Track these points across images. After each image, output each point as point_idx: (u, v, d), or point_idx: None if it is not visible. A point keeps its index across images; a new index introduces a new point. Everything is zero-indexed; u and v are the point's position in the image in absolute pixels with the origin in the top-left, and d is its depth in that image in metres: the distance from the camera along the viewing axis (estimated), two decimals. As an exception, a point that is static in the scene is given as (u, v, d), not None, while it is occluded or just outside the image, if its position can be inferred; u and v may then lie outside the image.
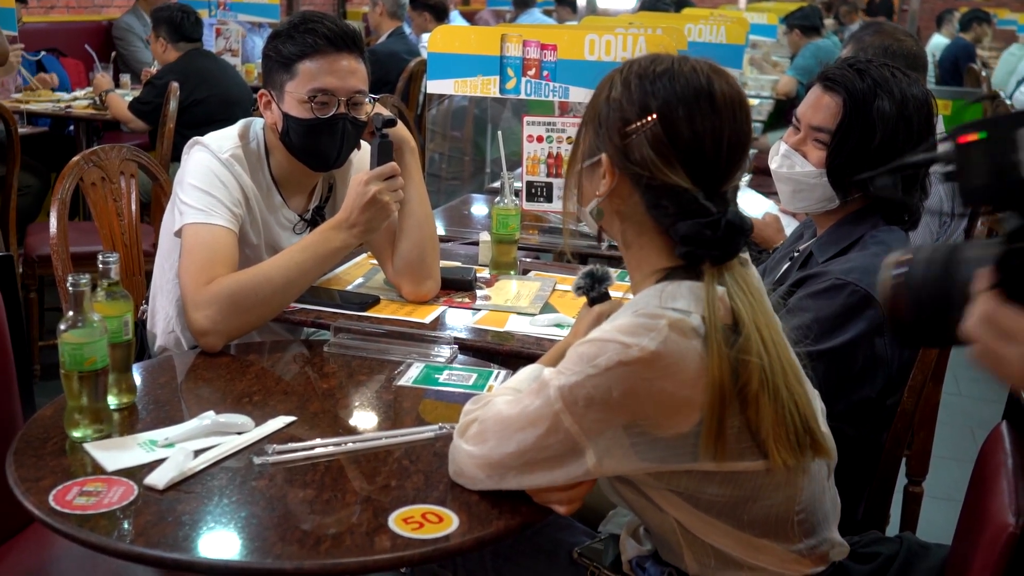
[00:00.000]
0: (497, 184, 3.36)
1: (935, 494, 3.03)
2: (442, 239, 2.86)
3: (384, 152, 2.06)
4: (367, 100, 2.16)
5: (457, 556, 1.65)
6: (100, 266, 1.63)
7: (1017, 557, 1.26)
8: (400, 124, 2.24)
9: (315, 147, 2.14)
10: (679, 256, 1.36)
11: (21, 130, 4.20)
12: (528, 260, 2.77)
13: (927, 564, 1.61)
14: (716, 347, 1.28)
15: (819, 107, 1.93)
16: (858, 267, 1.84)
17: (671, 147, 1.34)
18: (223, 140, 2.16)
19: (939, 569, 1.58)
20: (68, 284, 1.52)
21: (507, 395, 1.46)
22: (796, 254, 2.09)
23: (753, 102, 5.59)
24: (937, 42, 9.54)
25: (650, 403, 1.30)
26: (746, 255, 1.46)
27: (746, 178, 3.71)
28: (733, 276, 1.34)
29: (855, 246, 1.92)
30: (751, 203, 3.10)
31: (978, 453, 1.63)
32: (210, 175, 2.09)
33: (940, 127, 2.88)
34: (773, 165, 2.03)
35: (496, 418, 1.40)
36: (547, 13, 10.19)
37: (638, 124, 1.36)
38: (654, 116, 1.34)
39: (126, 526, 1.34)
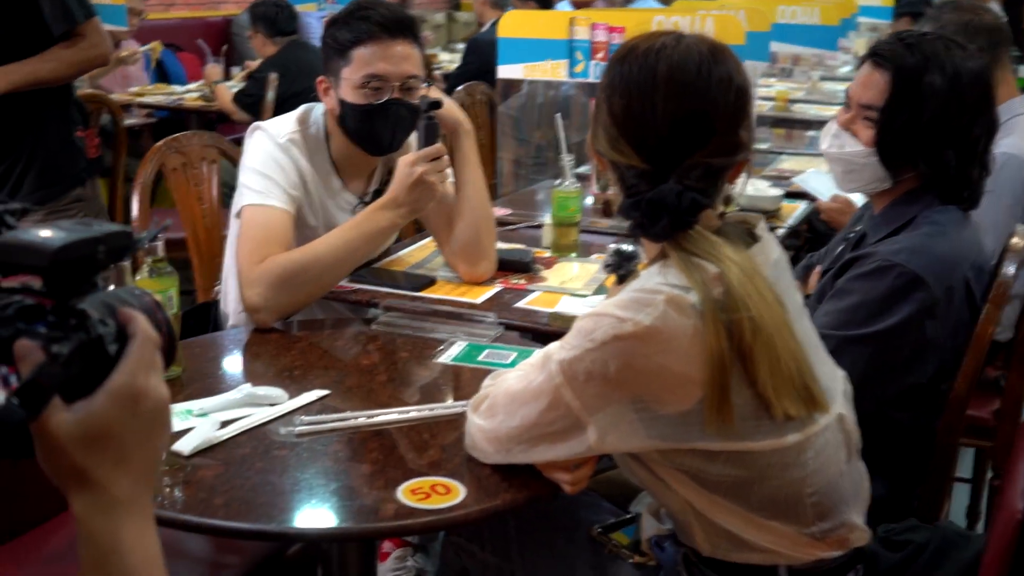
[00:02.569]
0: (581, 170, 3.36)
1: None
2: (511, 222, 2.89)
3: (431, 134, 2.09)
4: (422, 84, 2.19)
5: (463, 526, 1.67)
6: (146, 244, 1.71)
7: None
8: (455, 106, 2.27)
9: (370, 132, 2.19)
10: (629, 232, 1.37)
11: (129, 120, 4.38)
12: (611, 245, 2.76)
13: (963, 554, 1.55)
14: (711, 318, 1.27)
15: (868, 84, 1.88)
16: (906, 248, 1.79)
17: (615, 128, 1.36)
18: (282, 125, 2.23)
19: (974, 559, 1.53)
20: (109, 259, 1.59)
21: (520, 370, 1.47)
22: (852, 235, 2.04)
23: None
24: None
25: (648, 378, 1.29)
26: (762, 231, 1.44)
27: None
28: (711, 247, 1.32)
29: (907, 226, 1.86)
30: (820, 186, 3.03)
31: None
32: (268, 158, 2.15)
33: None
34: (823, 145, 1.99)
35: (505, 393, 1.42)
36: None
37: (597, 107, 1.40)
38: (603, 98, 1.39)
39: (146, 489, 1.40)
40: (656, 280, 1.32)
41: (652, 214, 1.32)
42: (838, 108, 5.10)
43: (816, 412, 1.35)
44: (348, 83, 2.15)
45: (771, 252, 1.44)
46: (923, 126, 1.81)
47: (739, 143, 1.37)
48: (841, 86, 5.59)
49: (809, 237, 3.05)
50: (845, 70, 6.10)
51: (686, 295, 1.29)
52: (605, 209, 2.47)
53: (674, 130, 1.33)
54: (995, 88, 1.93)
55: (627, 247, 1.65)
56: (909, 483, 1.90)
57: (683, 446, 1.33)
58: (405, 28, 2.15)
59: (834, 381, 1.46)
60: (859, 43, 6.17)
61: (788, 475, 1.36)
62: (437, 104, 2.12)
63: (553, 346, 1.39)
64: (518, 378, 1.42)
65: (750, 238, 1.42)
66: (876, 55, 1.87)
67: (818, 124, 4.71)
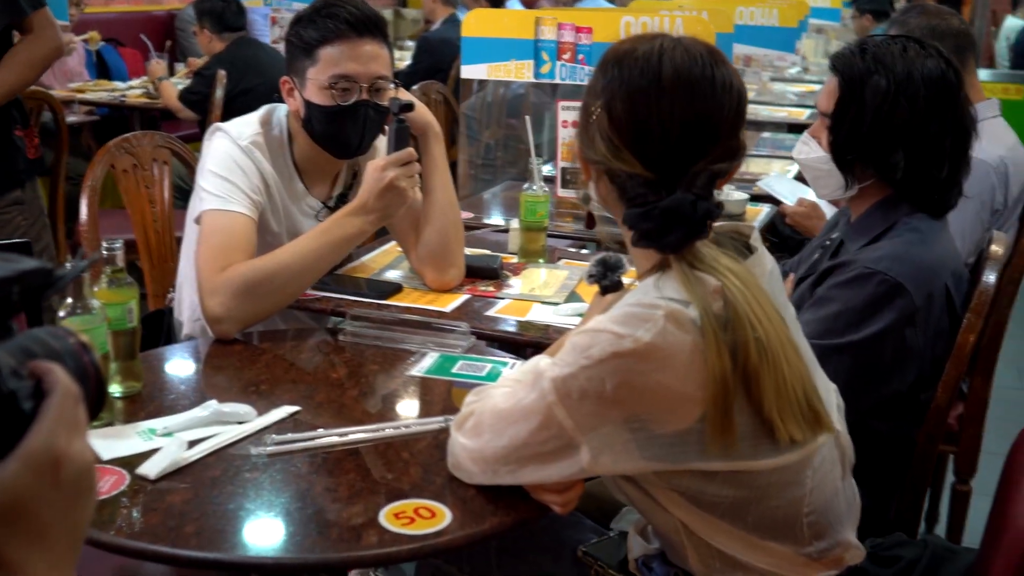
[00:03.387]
0: (546, 171, 3.31)
1: (987, 491, 2.92)
2: (475, 226, 2.83)
3: (401, 137, 2.02)
4: (390, 85, 2.12)
5: (450, 552, 1.61)
6: (104, 252, 1.62)
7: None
8: (425, 109, 2.20)
9: (337, 134, 2.11)
10: (633, 244, 1.30)
11: (70, 118, 4.24)
12: (571, 249, 2.72)
13: (953, 568, 1.53)
14: (713, 337, 1.22)
15: (826, 92, 1.90)
16: (887, 255, 1.77)
17: (615, 133, 1.30)
18: (244, 127, 2.14)
19: (964, 575, 1.50)
20: (67, 271, 1.50)
21: (506, 387, 1.41)
22: (828, 243, 2.01)
23: (814, 88, 5.43)
24: (1011, 24, 9.21)
25: (646, 397, 1.24)
26: (756, 241, 1.40)
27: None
28: (715, 264, 1.28)
29: (887, 233, 1.84)
30: (785, 190, 3.01)
31: (1008, 451, 1.55)
32: (229, 161, 2.07)
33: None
34: (795, 152, 2.00)
35: (492, 411, 1.36)
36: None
37: (591, 113, 1.33)
38: (600, 103, 1.31)
39: (111, 517, 1.32)
40: (653, 294, 1.27)
41: (666, 224, 1.26)
42: (789, 109, 5.13)
43: (821, 432, 1.31)
44: (314, 83, 2.07)
45: (766, 263, 1.40)
46: (867, 127, 1.81)
47: (739, 148, 1.33)
48: (791, 87, 5.63)
49: (774, 241, 3.03)
50: (794, 71, 6.14)
51: (685, 310, 1.24)
52: (588, 221, 2.43)
53: (682, 136, 1.27)
54: (968, 103, 1.90)
55: (611, 256, 1.60)
56: (887, 493, 1.88)
57: (679, 467, 1.29)
58: (374, 27, 2.07)
59: (829, 394, 1.43)
60: (807, 44, 6.21)
61: (787, 495, 1.32)
62: (409, 106, 2.05)
63: (544, 362, 1.33)
64: (506, 395, 1.36)
65: (745, 249, 1.38)
66: (832, 63, 1.90)
67: (771, 125, 4.73)
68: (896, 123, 1.79)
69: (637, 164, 1.28)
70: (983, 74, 6.49)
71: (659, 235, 1.27)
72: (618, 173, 1.31)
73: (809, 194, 2.96)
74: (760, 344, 1.23)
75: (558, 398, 1.27)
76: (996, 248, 1.89)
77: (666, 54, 1.29)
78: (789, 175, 3.41)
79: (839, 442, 1.40)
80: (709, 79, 1.28)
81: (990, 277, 1.83)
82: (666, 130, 1.27)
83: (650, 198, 1.27)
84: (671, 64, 1.28)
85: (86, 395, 0.72)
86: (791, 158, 3.90)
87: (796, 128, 4.81)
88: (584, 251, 2.69)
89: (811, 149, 1.95)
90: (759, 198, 3.10)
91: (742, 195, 2.97)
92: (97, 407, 0.75)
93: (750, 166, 3.69)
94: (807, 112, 4.91)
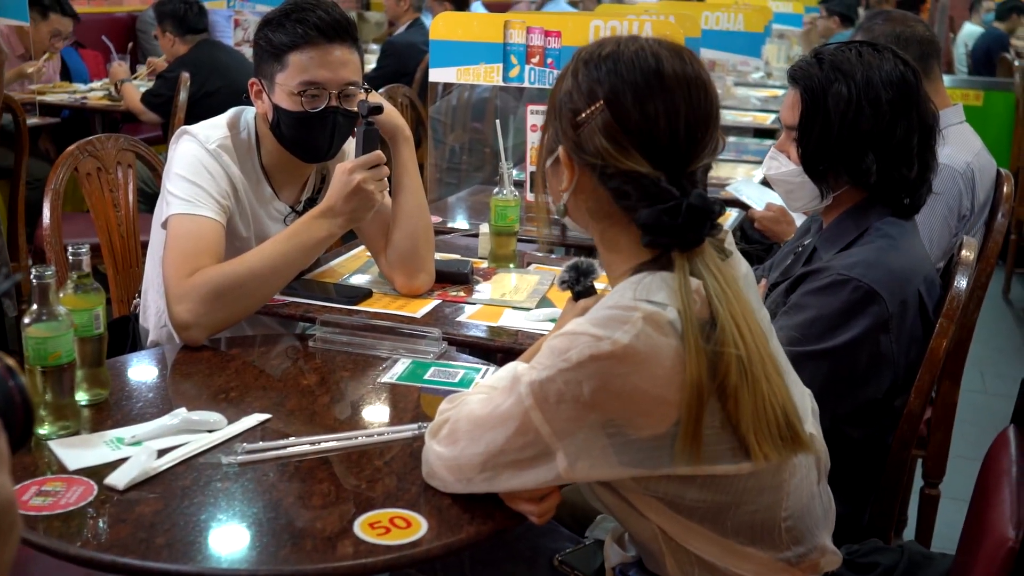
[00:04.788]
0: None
1: (955, 495, 2.94)
2: (443, 231, 2.81)
3: (369, 140, 2.00)
4: (360, 90, 2.10)
5: (426, 563, 1.58)
6: (70, 258, 1.59)
7: (1017, 572, 1.18)
8: (394, 111, 2.18)
9: (306, 140, 2.09)
10: (644, 245, 1.29)
11: (31, 120, 4.18)
12: (539, 254, 2.70)
13: (930, 574, 1.53)
14: (693, 343, 1.21)
15: (788, 105, 1.91)
16: (861, 261, 1.77)
17: (623, 132, 1.27)
18: (211, 129, 2.11)
19: (941, 580, 1.51)
20: (32, 276, 1.47)
21: (482, 393, 1.39)
22: (800, 249, 2.01)
23: (778, 93, 5.47)
24: (970, 31, 9.33)
25: (623, 400, 1.23)
26: (731, 245, 1.39)
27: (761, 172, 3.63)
28: (706, 265, 1.27)
29: (859, 240, 1.84)
30: (753, 195, 3.02)
31: (984, 457, 1.55)
32: (197, 165, 2.04)
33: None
34: (763, 169, 2.01)
35: (468, 418, 1.34)
36: (573, 3, 10.09)
37: (587, 113, 1.30)
38: (601, 103, 1.28)
39: (79, 529, 1.29)
40: (630, 295, 1.26)
41: (693, 219, 1.25)
42: (755, 114, 5.15)
43: (798, 451, 1.30)
44: (283, 89, 2.04)
45: (740, 267, 1.39)
46: (835, 136, 1.82)
47: (719, 142, 1.32)
48: (753, 91, 5.66)
49: (742, 246, 3.03)
50: (756, 76, 6.18)
51: (663, 311, 1.23)
52: (563, 235, 2.42)
53: (688, 132, 1.27)
54: (928, 99, 1.91)
55: (583, 262, 1.59)
56: (860, 499, 1.88)
57: (655, 473, 1.27)
58: (344, 32, 2.04)
59: (803, 399, 1.42)
60: (770, 49, 6.25)
61: (764, 499, 1.31)
62: (378, 109, 2.03)
63: (521, 367, 1.32)
64: (482, 402, 1.34)
65: (721, 252, 1.37)
66: (791, 75, 1.90)
67: (735, 129, 4.76)
68: (863, 128, 1.80)
69: (645, 163, 1.27)
70: (942, 80, 6.56)
71: (682, 231, 1.26)
72: (617, 174, 1.29)
73: (777, 199, 2.97)
74: (741, 363, 1.22)
75: (535, 402, 1.25)
76: (967, 253, 1.90)
77: (659, 53, 1.28)
78: (755, 179, 3.42)
79: (815, 448, 1.40)
80: (699, 77, 1.29)
81: (961, 283, 1.83)
82: (673, 128, 1.26)
83: (664, 197, 1.26)
84: (669, 63, 1.27)
85: (12, 422, 0.68)
86: (757, 162, 3.94)
87: (761, 132, 4.84)
88: (552, 255, 2.68)
89: (781, 163, 1.95)
90: (727, 202, 3.09)
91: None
92: (25, 434, 0.71)
93: (717, 170, 3.69)
94: (771, 116, 4.94)
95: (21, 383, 0.70)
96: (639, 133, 1.27)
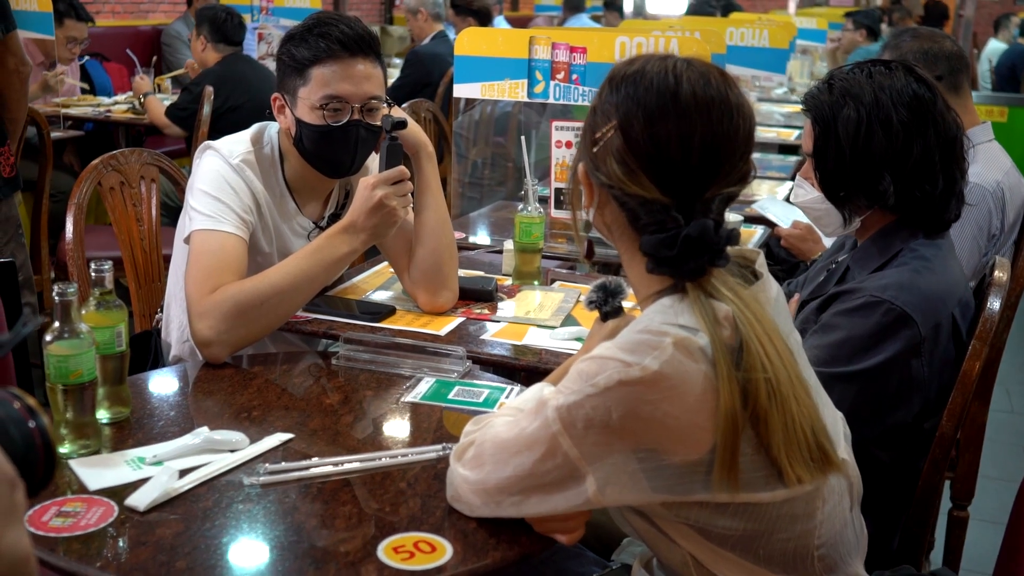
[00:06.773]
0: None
1: (983, 517, 2.90)
2: (466, 246, 2.79)
3: (393, 155, 1.98)
4: (383, 104, 2.08)
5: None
6: (92, 274, 1.57)
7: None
8: (418, 128, 2.16)
9: (329, 154, 2.07)
10: (647, 272, 1.27)
11: (55, 133, 4.19)
12: (563, 271, 2.68)
13: (963, 603, 1.50)
14: (725, 372, 1.18)
15: (806, 134, 1.90)
16: (894, 283, 1.74)
17: (632, 156, 1.25)
18: (235, 144, 2.10)
19: (976, 610, 1.47)
20: (54, 293, 1.46)
21: (508, 416, 1.37)
22: (834, 266, 1.98)
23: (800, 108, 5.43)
24: (994, 47, 9.28)
25: (653, 427, 1.20)
26: (762, 267, 1.37)
27: (788, 187, 3.60)
28: (723, 289, 1.24)
29: (893, 261, 1.81)
30: (779, 212, 2.99)
31: (1021, 481, 1.51)
32: (220, 180, 2.03)
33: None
34: (792, 198, 2.01)
35: (493, 441, 1.32)
36: (595, 18, 10.11)
37: (602, 133, 1.28)
38: (614, 123, 1.26)
39: (99, 551, 1.27)
40: (659, 320, 1.23)
41: (688, 251, 1.23)
42: (779, 130, 5.13)
43: (829, 472, 1.27)
44: (306, 103, 2.03)
45: (771, 289, 1.37)
46: (849, 161, 1.79)
47: (749, 171, 1.29)
48: (777, 107, 5.63)
49: (768, 264, 3.00)
50: (779, 91, 6.15)
51: (694, 337, 1.20)
52: (588, 251, 2.41)
53: (700, 159, 1.23)
54: (949, 110, 1.87)
55: (612, 281, 1.56)
56: (890, 523, 1.85)
57: (687, 499, 1.25)
58: (366, 46, 2.03)
59: (836, 424, 1.39)
60: (793, 65, 6.22)
61: (797, 527, 1.28)
62: (402, 124, 2.02)
63: (548, 390, 1.29)
64: (508, 424, 1.32)
65: (752, 276, 1.35)
66: (803, 104, 1.89)
67: (759, 145, 4.73)
68: (876, 150, 1.77)
69: (654, 188, 1.24)
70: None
71: (679, 262, 1.23)
72: (629, 197, 1.27)
73: (803, 216, 2.94)
74: (770, 385, 1.19)
75: (563, 427, 1.23)
76: (1000, 274, 1.86)
77: (681, 75, 1.25)
78: (779, 196, 3.39)
79: (847, 472, 1.37)
80: (725, 100, 1.25)
81: (994, 304, 1.80)
82: (685, 153, 1.23)
83: (669, 224, 1.24)
84: (688, 85, 1.24)
85: (32, 465, 0.66)
86: (781, 178, 3.91)
87: (786, 149, 4.81)
88: (577, 272, 2.65)
89: (806, 191, 1.95)
90: (753, 219, 3.07)
91: (736, 217, 2.94)
92: (47, 476, 0.69)
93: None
94: (795, 132, 4.91)
95: (43, 425, 0.68)
96: (647, 157, 1.24)
